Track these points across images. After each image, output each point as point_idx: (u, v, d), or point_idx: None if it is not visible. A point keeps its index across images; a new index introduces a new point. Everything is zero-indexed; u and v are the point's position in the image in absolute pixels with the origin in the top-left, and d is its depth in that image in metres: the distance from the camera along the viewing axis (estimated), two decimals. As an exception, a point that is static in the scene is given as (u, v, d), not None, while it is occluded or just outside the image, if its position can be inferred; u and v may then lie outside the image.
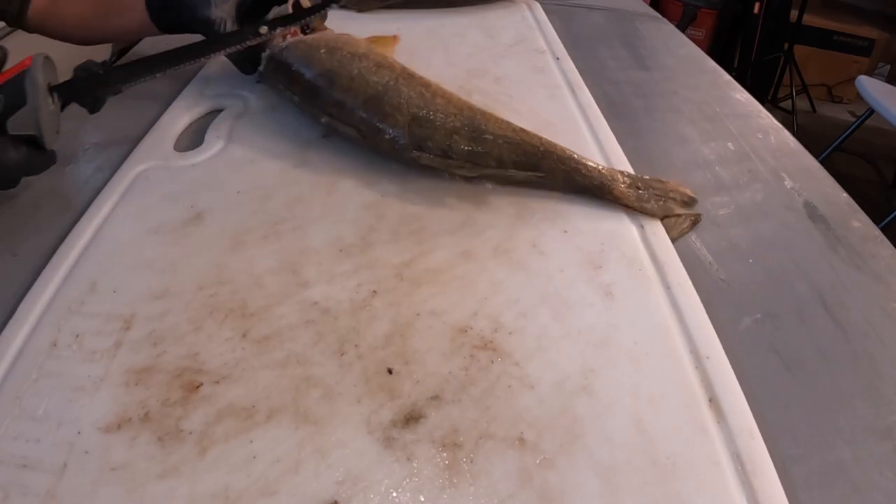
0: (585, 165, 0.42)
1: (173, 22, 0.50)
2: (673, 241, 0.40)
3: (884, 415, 0.31)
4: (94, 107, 0.44)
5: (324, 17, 0.52)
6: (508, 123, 0.43)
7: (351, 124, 0.44)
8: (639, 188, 0.42)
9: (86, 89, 0.42)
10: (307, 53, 0.46)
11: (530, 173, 0.42)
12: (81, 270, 0.36)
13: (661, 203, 0.41)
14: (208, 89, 0.54)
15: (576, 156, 0.42)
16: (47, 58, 0.40)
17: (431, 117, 0.42)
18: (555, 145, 0.43)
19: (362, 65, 0.45)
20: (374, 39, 0.53)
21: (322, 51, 0.46)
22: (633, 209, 0.41)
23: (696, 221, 0.42)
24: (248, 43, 0.46)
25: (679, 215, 0.42)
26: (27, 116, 0.38)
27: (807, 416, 0.31)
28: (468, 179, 0.43)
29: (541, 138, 0.43)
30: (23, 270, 0.36)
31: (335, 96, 0.44)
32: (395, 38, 0.61)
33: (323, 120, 0.45)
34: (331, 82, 0.45)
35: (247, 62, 0.51)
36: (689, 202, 0.43)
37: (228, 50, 0.47)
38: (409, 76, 0.45)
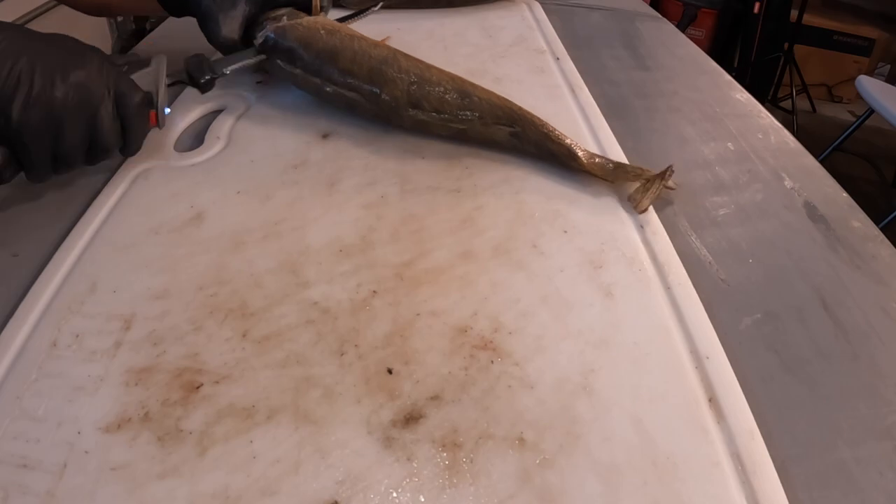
0: (556, 134, 0.45)
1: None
2: (643, 210, 0.41)
3: (884, 415, 0.31)
4: (205, 88, 0.48)
5: (326, 10, 0.55)
6: (493, 92, 0.48)
7: (355, 90, 0.48)
8: (609, 165, 0.44)
9: (197, 72, 0.47)
10: (308, 34, 0.50)
11: (508, 128, 0.46)
12: (81, 270, 0.36)
13: (627, 174, 0.44)
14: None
15: (550, 125, 0.46)
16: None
17: (427, 81, 0.47)
18: (532, 114, 0.46)
19: (361, 43, 0.49)
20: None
21: (322, 31, 0.50)
22: (596, 176, 0.43)
23: (665, 177, 0.43)
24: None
25: (645, 181, 0.43)
26: (146, 76, 0.43)
27: (807, 416, 0.31)
28: (450, 139, 0.48)
29: (521, 106, 0.47)
30: (23, 270, 0.36)
31: (340, 67, 0.48)
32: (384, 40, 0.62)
33: (328, 88, 0.49)
34: (334, 56, 0.48)
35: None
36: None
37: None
38: (405, 54, 0.49)
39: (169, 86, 0.45)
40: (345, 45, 0.49)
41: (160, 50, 0.49)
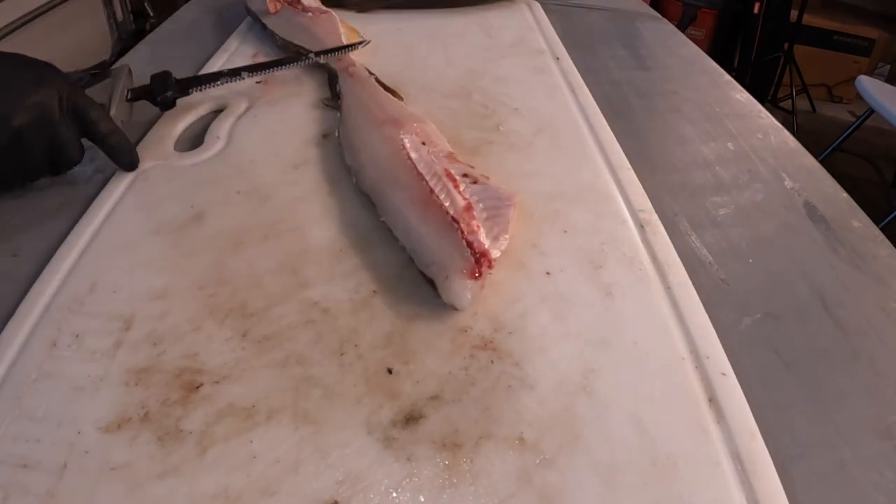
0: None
1: None
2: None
3: (884, 415, 0.31)
4: (164, 106, 0.49)
5: None
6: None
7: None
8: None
9: (159, 90, 0.48)
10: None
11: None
12: (81, 270, 0.36)
13: None
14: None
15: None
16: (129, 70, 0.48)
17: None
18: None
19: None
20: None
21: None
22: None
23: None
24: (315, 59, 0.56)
25: None
26: (104, 88, 0.44)
27: (807, 416, 0.31)
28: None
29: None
30: (23, 270, 0.36)
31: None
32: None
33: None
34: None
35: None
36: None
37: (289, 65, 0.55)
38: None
39: (130, 100, 0.46)
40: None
41: (158, 51, 0.49)
